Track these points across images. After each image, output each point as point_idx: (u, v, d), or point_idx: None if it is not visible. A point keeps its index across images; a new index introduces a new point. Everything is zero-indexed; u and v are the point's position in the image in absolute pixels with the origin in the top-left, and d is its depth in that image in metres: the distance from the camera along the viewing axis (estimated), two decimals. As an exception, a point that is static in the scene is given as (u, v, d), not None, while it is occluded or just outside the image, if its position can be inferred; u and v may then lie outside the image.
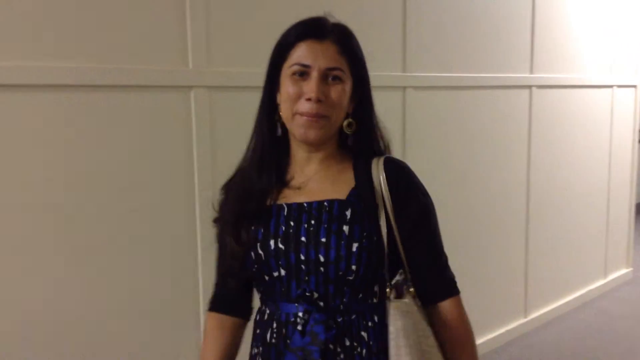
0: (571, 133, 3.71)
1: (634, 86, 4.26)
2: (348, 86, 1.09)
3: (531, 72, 3.32)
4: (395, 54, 2.58)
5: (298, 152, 1.14)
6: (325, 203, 1.08)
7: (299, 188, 1.12)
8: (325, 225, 1.05)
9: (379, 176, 1.10)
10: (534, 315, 3.54)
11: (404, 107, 2.63)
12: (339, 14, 2.26)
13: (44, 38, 1.63)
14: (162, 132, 1.86)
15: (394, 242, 1.09)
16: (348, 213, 1.06)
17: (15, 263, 1.62)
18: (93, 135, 1.73)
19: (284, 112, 1.09)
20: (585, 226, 3.96)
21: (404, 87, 2.61)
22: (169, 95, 1.86)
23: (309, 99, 1.05)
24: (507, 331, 3.35)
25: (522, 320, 3.46)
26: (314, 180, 1.13)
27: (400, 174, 1.13)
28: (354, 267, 1.03)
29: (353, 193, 1.09)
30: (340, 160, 1.15)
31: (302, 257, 1.05)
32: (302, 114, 1.06)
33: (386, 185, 1.09)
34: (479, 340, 3.14)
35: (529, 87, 3.31)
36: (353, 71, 1.10)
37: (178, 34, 1.86)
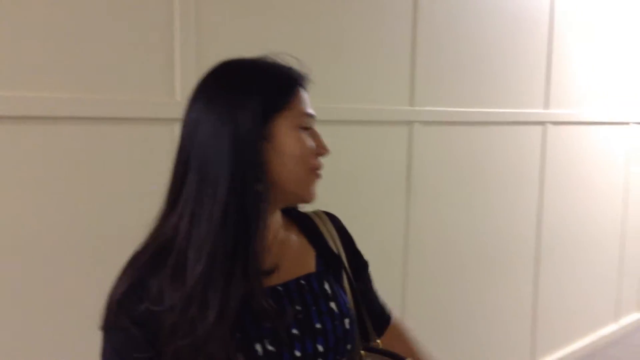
0: (586, 171, 3.55)
1: (652, 123, 4.09)
2: None
3: (546, 107, 3.16)
4: (403, 86, 2.42)
5: (274, 220, 0.93)
6: (302, 281, 0.91)
7: (273, 265, 0.89)
8: (314, 308, 0.89)
9: (332, 234, 1.01)
10: (541, 363, 3.34)
11: (410, 143, 2.47)
12: (346, 45, 2.11)
13: (23, 68, 1.48)
14: (147, 167, 1.71)
15: (353, 298, 1.01)
16: (327, 287, 0.93)
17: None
18: (72, 169, 1.58)
19: (292, 170, 0.86)
20: (598, 268, 3.78)
21: (411, 122, 2.46)
22: (155, 128, 1.71)
23: (321, 155, 0.94)
24: (513, 380, 3.16)
25: (529, 369, 3.27)
26: (282, 253, 0.95)
27: (343, 226, 1.08)
28: (349, 347, 0.91)
29: (319, 262, 0.96)
30: (288, 224, 1.01)
31: (298, 354, 0.84)
32: (316, 173, 0.93)
33: (340, 242, 1.03)
34: (482, 391, 2.95)
35: (543, 123, 3.15)
36: None
37: (165, 64, 1.72)
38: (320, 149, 0.94)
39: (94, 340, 0.92)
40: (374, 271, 2.30)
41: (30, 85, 1.49)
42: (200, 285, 0.79)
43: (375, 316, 1.06)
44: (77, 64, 1.57)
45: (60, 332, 1.60)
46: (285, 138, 0.87)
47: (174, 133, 1.74)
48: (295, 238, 0.98)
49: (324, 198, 2.22)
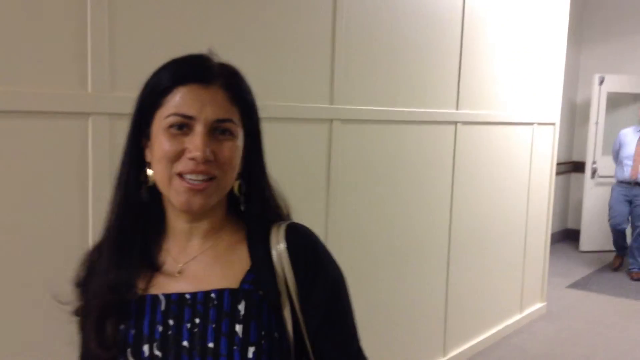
0: (493, 168, 3.72)
1: (553, 124, 4.36)
2: (240, 141, 0.89)
3: (457, 108, 3.28)
4: (323, 85, 2.44)
5: (176, 223, 0.91)
6: (213, 294, 0.86)
7: (179, 272, 0.89)
8: (214, 325, 0.84)
9: (280, 252, 0.89)
10: (453, 353, 3.48)
11: (330, 141, 2.49)
12: (265, 41, 2.09)
13: None
14: (55, 163, 1.61)
15: (300, 334, 0.89)
16: (242, 307, 0.85)
17: None
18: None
19: (158, 173, 0.86)
20: (504, 261, 3.98)
21: (331, 120, 2.48)
22: (65, 123, 1.62)
23: (192, 159, 0.83)
24: (426, 371, 3.26)
25: (441, 359, 3.39)
26: (199, 260, 0.90)
27: (307, 249, 0.91)
28: None
29: (248, 278, 0.88)
30: (230, 231, 0.93)
31: None
32: (183, 178, 0.84)
33: (290, 264, 0.88)
34: (398, 383, 3.03)
35: (455, 122, 3.28)
36: (245, 122, 0.90)
37: (77, 55, 1.62)
38: (187, 152, 0.84)
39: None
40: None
41: None
42: (99, 264, 0.92)
43: None
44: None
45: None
46: (155, 139, 0.87)
47: (85, 127, 1.66)
48: (226, 247, 0.91)
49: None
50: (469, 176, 3.48)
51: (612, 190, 5.56)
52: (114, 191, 0.91)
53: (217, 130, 0.86)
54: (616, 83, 6.18)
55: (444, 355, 3.42)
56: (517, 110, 3.91)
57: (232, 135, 0.87)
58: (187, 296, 0.86)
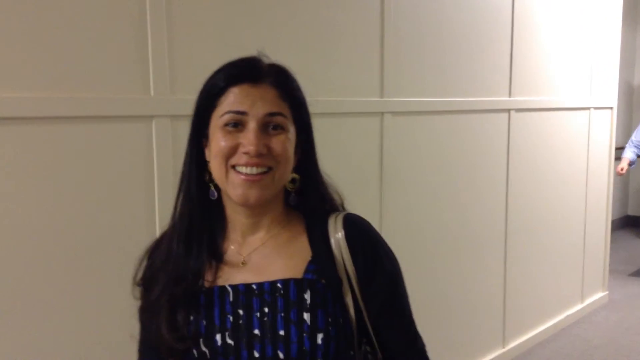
0: (549, 155, 3.65)
1: (611, 108, 4.23)
2: (292, 135, 0.93)
3: (510, 95, 3.24)
4: (373, 79, 2.45)
5: (237, 218, 0.95)
6: (279, 284, 0.90)
7: (243, 264, 0.93)
8: (283, 314, 0.88)
9: (339, 242, 0.93)
10: (512, 344, 3.43)
11: (381, 133, 2.50)
12: (314, 37, 2.12)
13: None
14: (122, 164, 1.69)
15: (362, 320, 0.93)
16: (307, 296, 0.89)
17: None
18: (47, 170, 1.55)
19: (216, 170, 0.91)
20: (563, 250, 3.89)
21: (382, 113, 2.49)
22: (131, 126, 1.70)
23: (246, 153, 0.87)
24: (486, 362, 3.24)
25: (500, 351, 3.35)
26: (261, 252, 0.94)
27: (363, 237, 0.95)
28: None
29: (310, 268, 0.92)
30: (289, 224, 0.97)
31: (257, 355, 0.87)
32: (239, 172, 0.89)
33: (348, 253, 0.92)
34: (457, 374, 3.02)
35: (508, 110, 3.23)
36: (296, 117, 0.94)
37: (139, 60, 1.70)
38: (241, 147, 0.88)
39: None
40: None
41: (3, 86, 1.46)
42: (164, 257, 0.96)
43: (390, 356, 0.98)
44: (50, 63, 1.54)
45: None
46: (212, 138, 0.91)
47: (150, 129, 1.73)
48: (286, 239, 0.95)
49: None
50: (525, 164, 3.42)
51: None
52: (179, 190, 0.96)
53: (269, 126, 0.90)
54: (676, 62, 5.94)
55: (504, 347, 3.38)
56: (572, 95, 3.82)
57: (283, 129, 0.91)
58: (254, 286, 0.90)
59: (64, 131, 1.58)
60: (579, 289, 4.10)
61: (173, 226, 0.97)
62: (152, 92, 1.72)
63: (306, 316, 0.87)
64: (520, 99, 3.31)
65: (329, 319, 0.88)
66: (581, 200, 4.03)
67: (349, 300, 0.91)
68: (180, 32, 1.79)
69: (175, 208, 0.96)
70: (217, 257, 0.94)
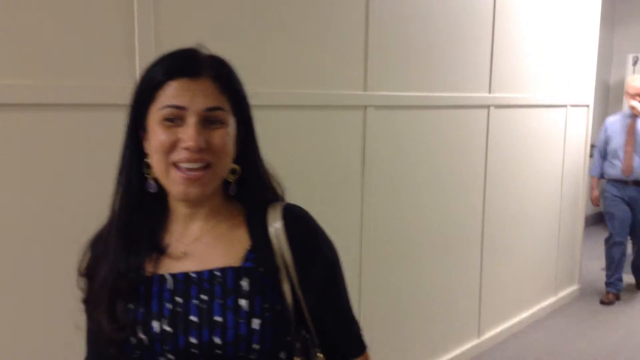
0: (526, 151, 3.72)
1: (587, 105, 4.32)
2: (232, 128, 0.94)
3: (490, 92, 3.29)
4: (357, 72, 2.48)
5: (178, 208, 0.97)
6: (218, 272, 0.92)
7: (183, 253, 0.95)
8: (220, 301, 0.90)
9: (278, 231, 0.95)
10: (487, 335, 3.51)
11: (364, 127, 2.54)
12: (299, 30, 2.14)
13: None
14: (109, 153, 1.70)
15: (300, 307, 0.96)
16: (245, 283, 0.91)
17: None
18: (34, 156, 1.56)
19: (156, 165, 0.91)
20: (538, 243, 3.99)
21: (365, 107, 2.52)
22: (117, 114, 1.71)
23: (187, 148, 0.88)
24: (462, 352, 3.31)
25: (476, 341, 3.43)
26: (201, 242, 0.96)
27: (302, 227, 0.97)
28: (256, 347, 0.89)
29: (249, 256, 0.94)
30: (230, 214, 0.98)
31: (194, 341, 0.88)
32: (179, 168, 0.89)
33: (287, 242, 0.94)
34: (433, 364, 3.09)
35: (488, 106, 3.29)
36: (236, 110, 0.94)
37: (125, 49, 1.71)
38: (181, 142, 0.89)
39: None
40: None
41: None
42: (105, 249, 0.97)
43: (328, 342, 1.01)
44: (36, 51, 1.55)
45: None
46: (151, 131, 0.91)
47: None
48: (226, 229, 0.97)
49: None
50: (503, 159, 3.49)
51: (604, 193, 4.33)
52: (117, 183, 0.96)
53: (208, 120, 0.90)
54: (651, 63, 6.07)
55: (479, 337, 3.46)
56: (550, 92, 3.89)
57: (223, 123, 0.91)
58: (193, 275, 0.92)
59: (51, 118, 1.58)
60: (552, 282, 4.20)
61: (112, 219, 0.97)
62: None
63: (243, 302, 0.89)
64: (500, 95, 3.37)
65: (266, 306, 0.91)
66: (556, 195, 4.12)
67: (286, 288, 0.94)
68: (167, 20, 1.80)
69: (114, 200, 0.96)
70: (157, 248, 0.95)
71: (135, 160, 0.94)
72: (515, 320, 3.77)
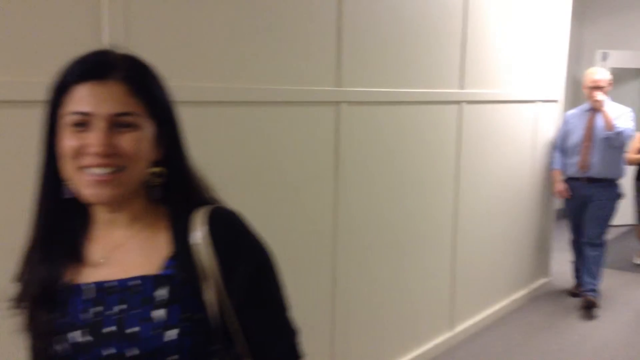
0: (498, 146, 3.77)
1: (556, 101, 4.39)
2: (148, 131, 0.89)
3: (461, 88, 3.33)
4: (330, 68, 2.49)
5: (98, 214, 0.94)
6: (135, 281, 0.89)
7: (104, 261, 0.92)
8: (137, 311, 0.87)
9: (202, 236, 0.90)
10: (460, 328, 3.56)
11: (337, 123, 2.54)
12: (271, 25, 2.13)
13: None
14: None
15: (226, 313, 0.91)
16: (164, 292, 0.87)
17: None
18: (17, 154, 1.53)
19: (65, 170, 0.88)
20: (510, 237, 4.05)
21: (338, 102, 2.53)
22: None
23: (93, 154, 0.85)
24: (435, 345, 3.35)
25: (448, 334, 3.48)
26: (123, 248, 0.92)
27: (227, 231, 0.92)
28: (174, 358, 0.86)
29: (170, 264, 0.90)
30: (154, 219, 0.94)
31: (112, 351, 0.86)
32: (87, 173, 0.86)
33: (211, 247, 0.89)
34: (405, 357, 3.12)
35: (459, 102, 3.32)
36: (152, 113, 0.90)
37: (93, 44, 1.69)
38: (88, 147, 0.85)
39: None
40: (306, 249, 2.36)
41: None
42: (25, 259, 0.97)
43: (259, 351, 0.95)
44: (6, 47, 1.52)
45: None
46: (59, 137, 0.88)
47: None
48: (148, 235, 0.93)
49: (251, 180, 2.24)
50: (475, 154, 3.53)
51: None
52: (37, 188, 0.93)
53: (117, 124, 0.86)
54: (619, 59, 6.19)
55: (451, 330, 3.50)
56: (521, 88, 3.95)
57: (133, 127, 0.88)
58: (110, 284, 0.89)
59: (22, 115, 1.56)
60: (524, 274, 4.27)
61: (34, 226, 0.95)
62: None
63: (161, 312, 0.87)
64: (471, 91, 3.40)
65: (185, 315, 0.88)
66: (527, 189, 4.19)
67: (210, 295, 0.89)
68: (138, 21, 1.78)
69: (35, 207, 0.94)
70: (77, 256, 0.93)
71: (51, 165, 0.91)
72: (487, 312, 3.83)
